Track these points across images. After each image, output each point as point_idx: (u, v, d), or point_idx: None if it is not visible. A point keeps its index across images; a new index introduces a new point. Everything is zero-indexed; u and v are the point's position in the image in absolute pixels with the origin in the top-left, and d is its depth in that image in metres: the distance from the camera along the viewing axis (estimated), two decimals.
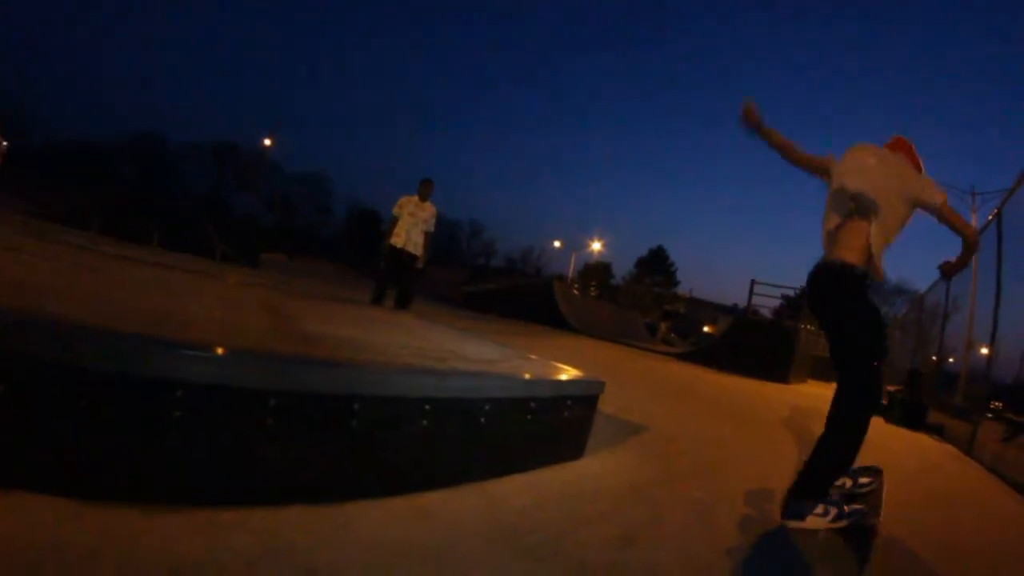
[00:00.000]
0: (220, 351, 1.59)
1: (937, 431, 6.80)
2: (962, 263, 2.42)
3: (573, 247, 52.12)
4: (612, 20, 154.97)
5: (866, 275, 2.35)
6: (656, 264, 53.67)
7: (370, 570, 1.42)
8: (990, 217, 7.12)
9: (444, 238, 46.82)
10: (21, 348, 1.34)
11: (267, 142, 40.85)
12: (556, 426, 2.55)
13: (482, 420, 2.10)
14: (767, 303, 15.52)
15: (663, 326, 25.64)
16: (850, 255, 2.35)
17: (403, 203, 6.66)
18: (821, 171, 2.61)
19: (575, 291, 27.06)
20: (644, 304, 41.74)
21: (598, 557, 1.75)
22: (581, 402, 2.70)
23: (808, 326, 11.95)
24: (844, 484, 2.40)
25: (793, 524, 2.27)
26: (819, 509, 2.25)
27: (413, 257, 6.63)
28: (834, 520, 2.25)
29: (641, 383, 6.45)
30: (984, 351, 7.45)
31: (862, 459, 2.45)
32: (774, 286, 14.11)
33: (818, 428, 2.34)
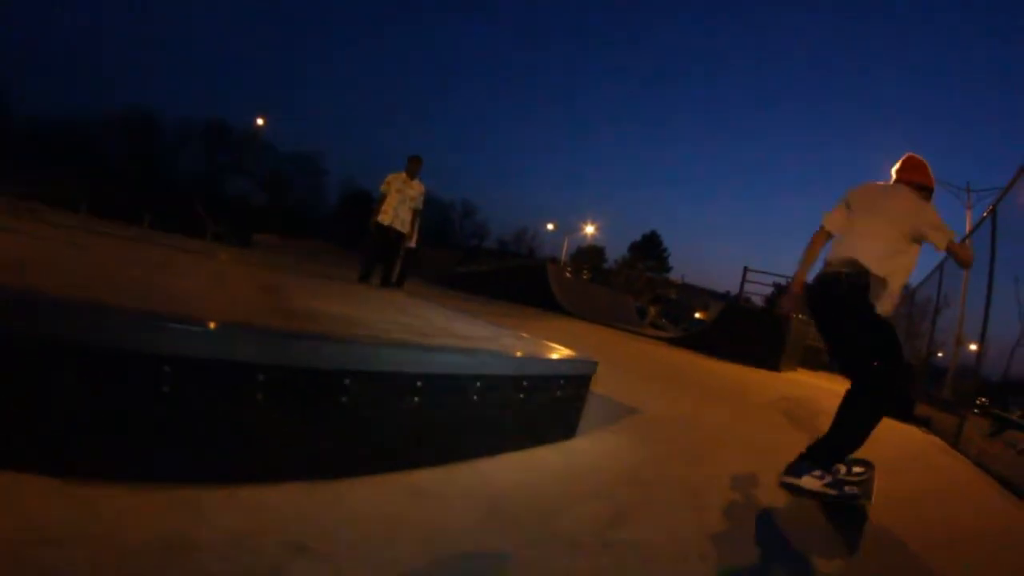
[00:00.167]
0: (209, 325, 1.55)
1: (924, 423, 6.88)
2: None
3: (566, 230, 52.24)
4: (608, 3, 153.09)
5: (867, 286, 2.41)
6: (649, 249, 53.66)
7: (359, 547, 1.40)
8: (984, 214, 7.05)
9: (436, 219, 46.45)
10: (7, 323, 1.30)
11: (259, 121, 40.16)
12: (548, 405, 2.54)
13: (474, 397, 2.09)
14: (760, 291, 15.61)
15: (652, 310, 25.82)
16: (865, 256, 2.41)
17: (391, 180, 6.54)
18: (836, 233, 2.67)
19: (568, 274, 27.07)
20: (637, 288, 41.86)
21: (589, 535, 1.76)
22: (574, 382, 2.69)
23: (799, 315, 12.01)
24: (839, 470, 2.45)
25: (789, 480, 2.37)
26: (816, 472, 2.35)
27: (400, 235, 6.55)
28: (827, 486, 2.34)
29: (634, 366, 6.47)
30: (973, 347, 7.49)
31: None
32: (767, 274, 14.20)
33: (808, 416, 2.37)
